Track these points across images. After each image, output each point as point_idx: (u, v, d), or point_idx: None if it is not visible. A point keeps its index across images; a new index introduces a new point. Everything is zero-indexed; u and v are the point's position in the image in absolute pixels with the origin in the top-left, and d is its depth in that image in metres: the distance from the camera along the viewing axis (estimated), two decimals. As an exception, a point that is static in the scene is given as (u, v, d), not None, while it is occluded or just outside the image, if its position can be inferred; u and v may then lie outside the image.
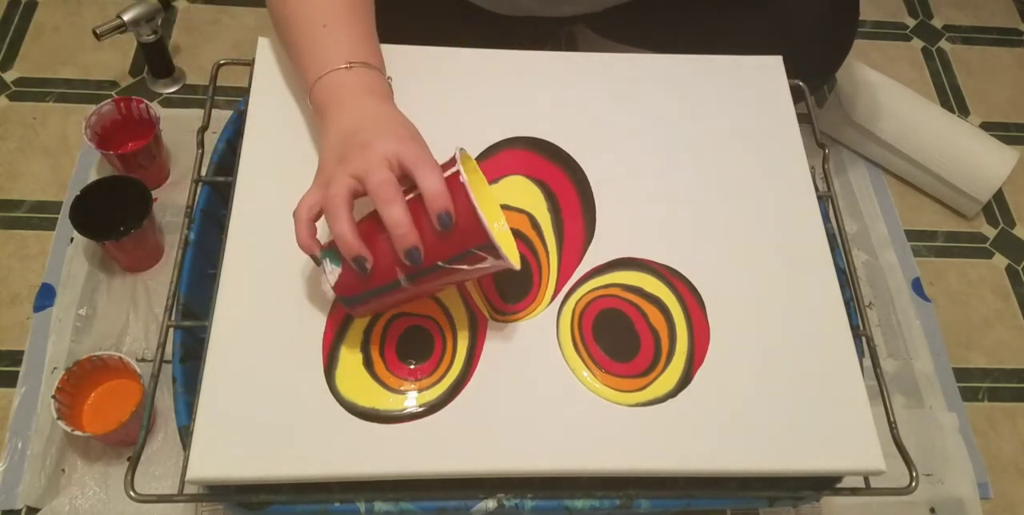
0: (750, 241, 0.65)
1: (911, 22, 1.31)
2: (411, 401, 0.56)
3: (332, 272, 0.53)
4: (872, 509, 0.88)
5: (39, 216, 0.97)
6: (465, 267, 0.51)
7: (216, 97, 0.70)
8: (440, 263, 0.51)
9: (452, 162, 0.51)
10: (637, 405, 0.57)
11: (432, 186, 0.49)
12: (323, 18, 0.61)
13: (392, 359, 0.57)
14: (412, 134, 0.55)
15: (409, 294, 0.54)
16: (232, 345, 0.56)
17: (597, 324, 0.60)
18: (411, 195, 0.51)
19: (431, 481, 0.56)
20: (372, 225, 0.52)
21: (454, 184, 0.50)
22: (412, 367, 0.57)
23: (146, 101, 0.94)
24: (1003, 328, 1.03)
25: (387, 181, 0.50)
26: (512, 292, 0.61)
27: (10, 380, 0.86)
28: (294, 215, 0.53)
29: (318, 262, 0.54)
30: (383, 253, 0.51)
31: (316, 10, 0.61)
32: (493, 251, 0.50)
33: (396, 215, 0.49)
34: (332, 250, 0.53)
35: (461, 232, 0.50)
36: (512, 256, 0.53)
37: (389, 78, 0.62)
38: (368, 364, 0.57)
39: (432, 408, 0.55)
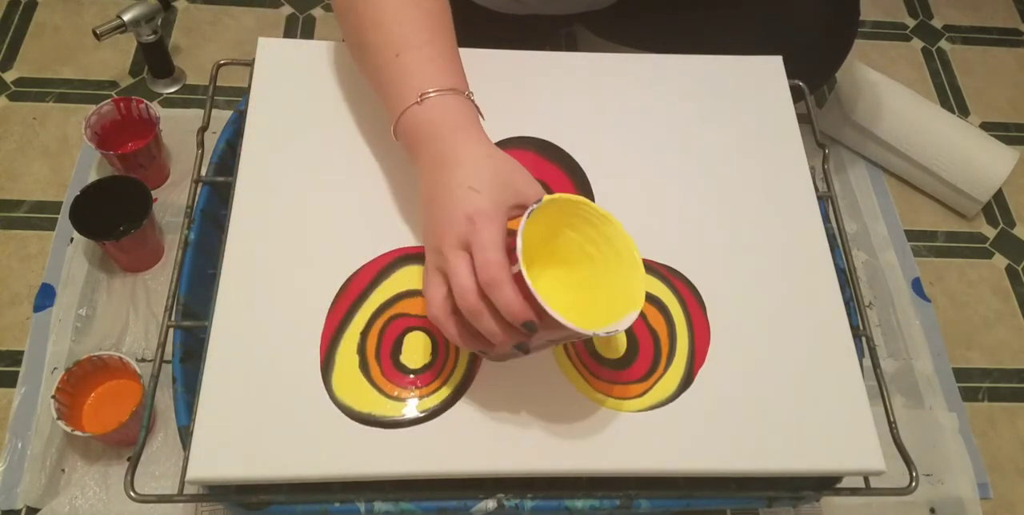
0: (750, 241, 0.65)
1: (911, 22, 1.31)
2: (409, 408, 0.55)
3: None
4: (872, 509, 0.88)
5: (39, 216, 0.97)
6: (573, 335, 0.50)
7: (216, 97, 0.70)
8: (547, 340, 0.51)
9: (514, 254, 0.48)
10: (639, 411, 0.57)
11: (500, 302, 0.47)
12: (396, 46, 0.57)
13: (387, 364, 0.57)
14: (477, 206, 0.50)
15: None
16: (232, 345, 0.56)
17: None
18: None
19: (431, 481, 0.56)
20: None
21: (521, 283, 0.48)
22: (412, 377, 0.57)
23: (146, 101, 0.94)
24: (1003, 328, 1.03)
25: (468, 290, 0.48)
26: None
27: (10, 380, 0.86)
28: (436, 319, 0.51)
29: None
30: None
31: (390, 37, 0.58)
32: (579, 334, 0.48)
33: (487, 329, 0.49)
34: None
35: (548, 326, 0.48)
36: (617, 320, 0.50)
37: (470, 93, 0.58)
38: (364, 368, 0.57)
39: (431, 414, 0.55)
